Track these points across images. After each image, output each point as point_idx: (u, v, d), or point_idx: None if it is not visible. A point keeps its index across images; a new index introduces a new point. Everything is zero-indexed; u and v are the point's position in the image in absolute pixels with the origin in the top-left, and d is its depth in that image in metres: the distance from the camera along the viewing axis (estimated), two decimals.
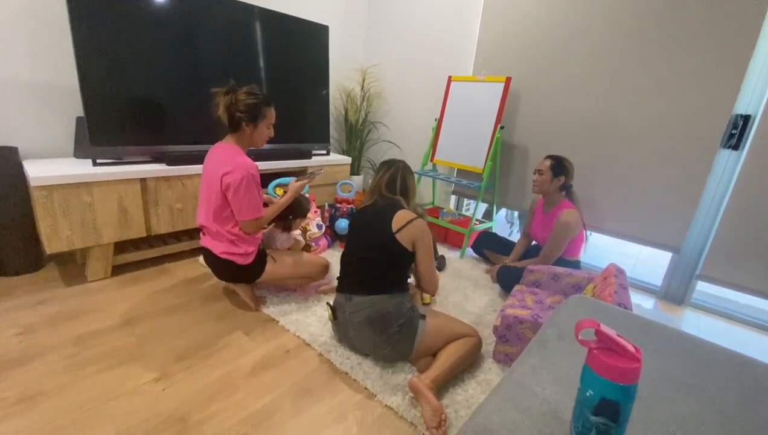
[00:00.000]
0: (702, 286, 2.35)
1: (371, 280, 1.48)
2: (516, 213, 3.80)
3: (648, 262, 3.29)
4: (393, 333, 1.42)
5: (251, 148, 1.74)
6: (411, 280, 1.96)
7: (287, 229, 1.94)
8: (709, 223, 2.22)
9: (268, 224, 1.90)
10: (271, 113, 1.69)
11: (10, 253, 1.91)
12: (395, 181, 1.60)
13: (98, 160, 1.95)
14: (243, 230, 1.67)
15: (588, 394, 0.59)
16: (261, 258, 1.76)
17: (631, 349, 0.57)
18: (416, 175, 3.04)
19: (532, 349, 1.01)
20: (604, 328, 0.59)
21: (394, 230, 1.46)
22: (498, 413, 0.77)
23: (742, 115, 2.04)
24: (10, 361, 1.39)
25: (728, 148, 2.11)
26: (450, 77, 2.93)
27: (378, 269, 1.49)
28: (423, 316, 1.47)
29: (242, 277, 1.77)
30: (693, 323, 2.18)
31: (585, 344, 0.60)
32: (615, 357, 0.57)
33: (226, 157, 1.60)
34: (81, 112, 1.88)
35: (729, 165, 2.13)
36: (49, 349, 1.46)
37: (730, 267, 2.15)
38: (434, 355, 1.45)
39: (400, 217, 1.49)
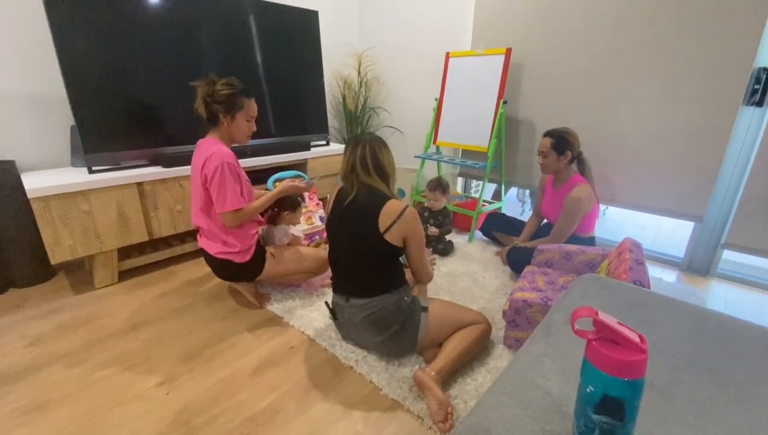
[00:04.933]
0: (728, 255, 2.21)
1: (366, 285, 1.39)
2: (527, 191, 3.68)
3: (670, 233, 3.13)
4: (395, 332, 1.37)
5: (237, 145, 1.69)
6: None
7: (272, 221, 1.89)
8: (734, 186, 2.08)
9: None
10: (250, 105, 1.62)
11: (20, 265, 1.94)
12: (366, 161, 1.38)
13: (94, 168, 1.94)
14: (225, 223, 1.61)
15: (589, 390, 0.53)
16: (259, 255, 1.73)
17: (635, 338, 0.50)
18: (419, 160, 2.95)
19: (537, 337, 0.94)
20: (602, 316, 0.52)
21: (382, 230, 1.32)
22: (497, 410, 0.71)
23: (765, 69, 1.88)
24: (20, 371, 1.41)
25: (752, 105, 1.95)
26: (448, 54, 2.81)
27: (370, 273, 1.39)
28: (425, 308, 1.40)
29: (242, 275, 1.75)
30: (720, 295, 2.06)
31: (582, 335, 0.53)
32: (617, 349, 0.50)
33: (205, 150, 1.56)
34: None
35: (753, 123, 1.97)
36: (57, 357, 1.48)
37: (759, 232, 2.00)
38: (441, 344, 1.40)
39: (387, 213, 1.32)
